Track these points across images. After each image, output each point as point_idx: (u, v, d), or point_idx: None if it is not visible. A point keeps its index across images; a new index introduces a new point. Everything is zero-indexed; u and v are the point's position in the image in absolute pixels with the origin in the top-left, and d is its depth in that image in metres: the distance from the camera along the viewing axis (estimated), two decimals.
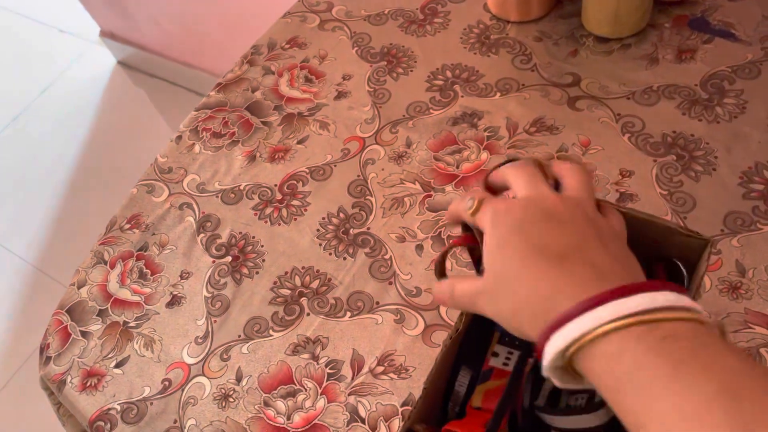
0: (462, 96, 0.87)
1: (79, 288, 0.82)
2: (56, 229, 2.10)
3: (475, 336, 0.60)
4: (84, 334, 0.78)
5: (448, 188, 0.80)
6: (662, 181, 0.74)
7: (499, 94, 0.86)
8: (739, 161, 0.74)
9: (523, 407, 0.54)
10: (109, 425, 0.71)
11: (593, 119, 0.81)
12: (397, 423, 0.66)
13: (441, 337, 0.70)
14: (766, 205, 0.70)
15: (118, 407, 0.72)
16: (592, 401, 0.50)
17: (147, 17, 2.16)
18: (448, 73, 0.90)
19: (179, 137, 0.94)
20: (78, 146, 2.35)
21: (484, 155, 0.81)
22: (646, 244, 0.57)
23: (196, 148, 0.92)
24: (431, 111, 0.87)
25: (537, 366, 0.53)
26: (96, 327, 0.78)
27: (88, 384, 0.74)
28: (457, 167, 0.81)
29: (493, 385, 0.53)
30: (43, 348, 0.79)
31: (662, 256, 0.60)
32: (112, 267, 0.83)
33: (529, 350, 0.53)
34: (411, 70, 0.92)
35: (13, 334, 1.88)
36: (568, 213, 0.40)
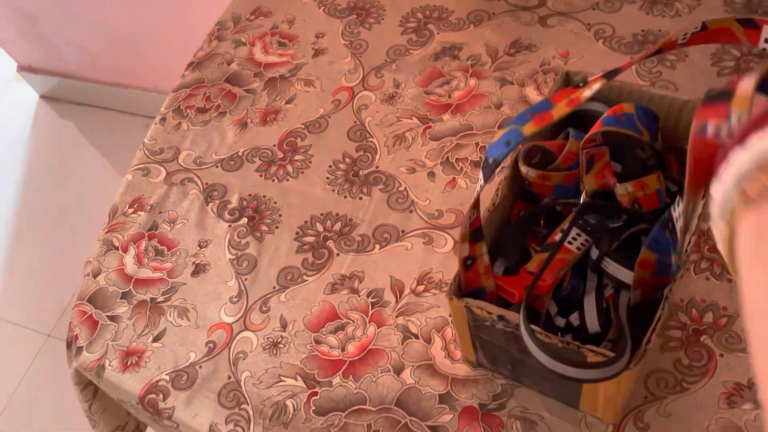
0: (438, 33, 0.91)
1: (95, 277, 0.80)
2: (6, 276, 2.01)
3: (513, 234, 0.63)
4: (112, 318, 0.77)
5: (446, 116, 0.83)
6: (642, 74, 0.80)
7: (472, 25, 0.90)
8: (707, 45, 0.80)
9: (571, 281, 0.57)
10: (161, 395, 0.70)
11: (566, 32, 0.86)
12: (450, 331, 0.68)
13: None
14: (739, 77, 0.77)
15: (167, 377, 0.71)
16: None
17: (68, 42, 2.09)
18: (419, 15, 0.94)
19: (163, 119, 0.93)
20: (13, 192, 2.24)
21: (473, 81, 0.85)
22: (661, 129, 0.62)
23: (184, 125, 0.92)
24: (411, 51, 0.90)
25: (613, 227, 0.57)
26: (123, 309, 0.77)
27: (129, 363, 0.73)
28: (449, 96, 0.85)
29: (544, 257, 0.56)
30: (71, 341, 0.77)
31: (673, 145, 0.64)
32: (125, 251, 0.82)
33: (595, 237, 0.56)
34: (382, 19, 0.95)
35: None
36: None
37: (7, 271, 2.02)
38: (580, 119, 0.63)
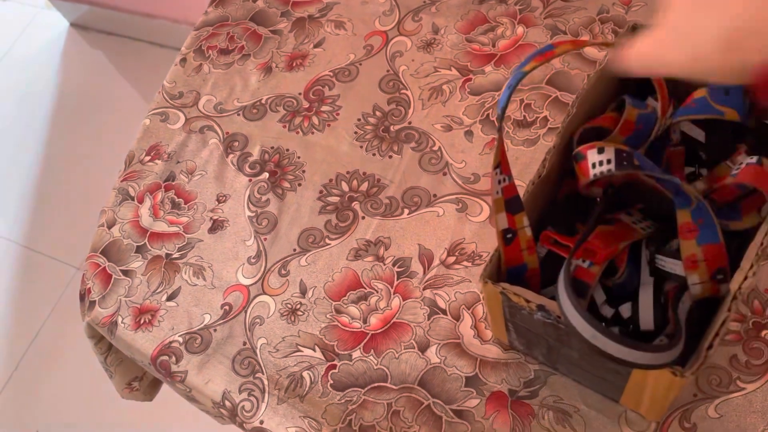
0: None
1: (109, 228, 0.77)
2: (37, 206, 2.01)
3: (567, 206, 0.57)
4: (126, 272, 0.73)
5: (488, 68, 0.75)
6: None
7: None
8: None
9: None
10: (174, 358, 0.67)
11: None
12: (480, 309, 0.63)
13: None
14: None
15: (180, 339, 0.68)
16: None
17: None
18: None
19: (183, 60, 0.87)
20: (43, 120, 2.22)
21: (520, 29, 0.77)
22: None
23: (205, 68, 0.85)
24: None
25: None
26: (137, 264, 0.73)
27: (142, 321, 0.70)
28: (494, 46, 0.77)
29: (607, 229, 0.51)
30: (84, 294, 0.74)
31: None
32: (141, 201, 0.77)
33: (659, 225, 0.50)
34: None
35: (14, 315, 1.81)
36: None
37: (37, 201, 2.02)
38: (635, 85, 0.56)
